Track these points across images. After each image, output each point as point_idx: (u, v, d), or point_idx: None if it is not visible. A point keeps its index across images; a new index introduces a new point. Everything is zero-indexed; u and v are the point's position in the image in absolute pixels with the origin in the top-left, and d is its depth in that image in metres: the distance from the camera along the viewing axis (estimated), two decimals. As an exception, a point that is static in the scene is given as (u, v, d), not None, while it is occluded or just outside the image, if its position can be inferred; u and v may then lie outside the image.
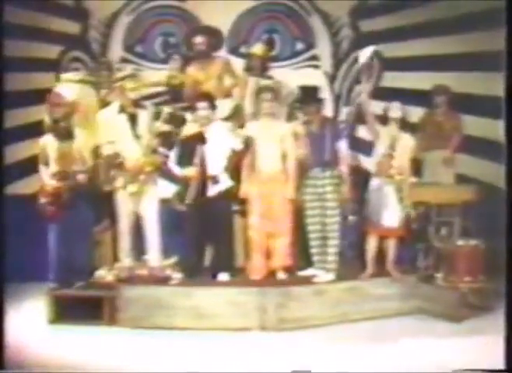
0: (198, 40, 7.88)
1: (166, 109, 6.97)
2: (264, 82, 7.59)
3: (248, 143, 6.85)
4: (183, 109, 7.58)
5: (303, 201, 6.91)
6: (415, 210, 7.05)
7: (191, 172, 6.78)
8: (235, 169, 6.92)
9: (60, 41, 8.64)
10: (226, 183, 6.81)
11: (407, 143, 6.96)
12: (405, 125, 7.01)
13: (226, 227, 6.94)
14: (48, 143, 6.72)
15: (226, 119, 7.42)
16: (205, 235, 6.90)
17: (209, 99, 7.02)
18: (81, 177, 6.60)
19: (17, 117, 7.77)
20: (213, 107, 6.95)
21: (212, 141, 6.81)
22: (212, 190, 6.78)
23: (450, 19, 8.21)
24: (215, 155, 6.80)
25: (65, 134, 6.70)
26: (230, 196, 6.92)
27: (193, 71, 7.87)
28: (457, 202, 7.08)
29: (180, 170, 6.86)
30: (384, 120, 7.07)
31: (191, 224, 6.90)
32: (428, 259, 7.10)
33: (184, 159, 6.84)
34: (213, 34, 8.09)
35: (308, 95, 7.10)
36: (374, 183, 6.96)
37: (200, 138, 6.82)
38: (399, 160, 6.89)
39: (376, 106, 8.21)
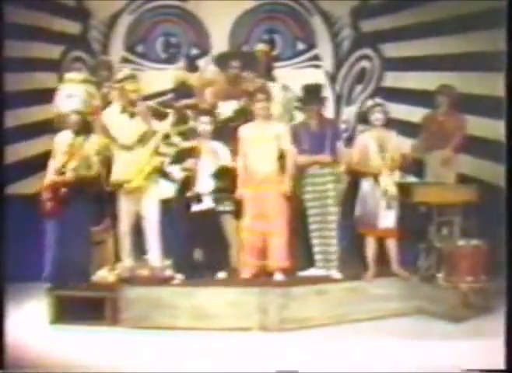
0: (235, 64, 7.79)
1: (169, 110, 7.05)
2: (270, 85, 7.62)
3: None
4: (186, 108, 7.65)
5: (302, 200, 6.92)
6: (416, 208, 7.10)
7: (190, 164, 6.90)
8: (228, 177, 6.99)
9: (61, 41, 8.67)
10: (207, 203, 6.90)
11: (394, 141, 6.99)
12: (388, 123, 7.03)
13: (215, 227, 7.00)
14: (63, 138, 6.71)
15: (229, 120, 7.40)
16: (197, 234, 6.95)
17: (212, 115, 7.13)
18: (76, 173, 6.59)
19: (18, 117, 7.79)
20: (215, 123, 7.08)
21: (205, 159, 6.92)
22: (194, 208, 6.88)
23: (451, 19, 8.22)
24: (205, 174, 6.90)
25: (82, 130, 6.71)
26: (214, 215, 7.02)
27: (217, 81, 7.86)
28: (458, 202, 7.06)
29: (179, 168, 6.98)
30: (388, 121, 7.10)
31: (183, 224, 6.99)
32: (429, 259, 7.08)
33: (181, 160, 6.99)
34: (250, 59, 8.07)
35: (311, 93, 7.10)
36: (367, 183, 6.96)
37: (196, 152, 6.95)
38: (391, 158, 6.93)
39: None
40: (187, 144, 7.10)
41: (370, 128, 7.08)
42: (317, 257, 6.96)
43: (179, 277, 6.77)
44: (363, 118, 7.22)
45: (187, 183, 6.97)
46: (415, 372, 5.22)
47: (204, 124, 6.98)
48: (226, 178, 6.93)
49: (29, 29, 8.27)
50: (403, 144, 7.11)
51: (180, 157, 7.05)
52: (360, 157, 7.02)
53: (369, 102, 7.16)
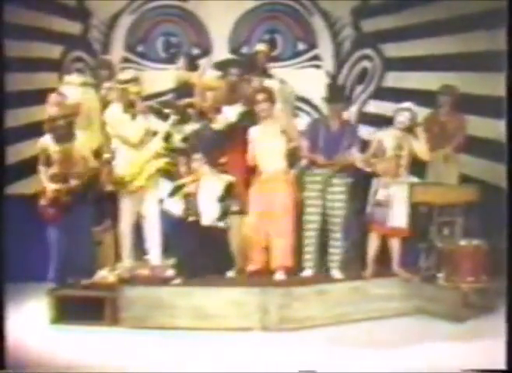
0: (234, 71, 7.74)
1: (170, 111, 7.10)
2: (266, 81, 7.63)
3: None
4: (187, 107, 7.65)
5: (306, 199, 6.93)
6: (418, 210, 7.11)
7: (190, 190, 7.02)
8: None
9: (61, 41, 8.65)
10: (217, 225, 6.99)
11: (413, 145, 7.00)
12: (412, 127, 7.04)
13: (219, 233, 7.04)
14: (48, 144, 6.70)
15: (235, 124, 7.40)
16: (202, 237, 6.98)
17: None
18: (81, 179, 6.59)
19: (18, 117, 7.78)
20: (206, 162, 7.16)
21: (205, 192, 7.01)
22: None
23: (451, 19, 8.22)
24: (209, 204, 6.97)
25: (65, 136, 6.68)
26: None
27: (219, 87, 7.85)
28: (460, 202, 7.07)
29: (178, 197, 7.09)
30: (388, 121, 7.11)
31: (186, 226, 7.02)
32: (430, 259, 7.08)
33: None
34: (249, 63, 8.08)
35: (336, 93, 7.14)
36: (380, 182, 6.96)
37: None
38: (407, 159, 6.97)
39: (378, 107, 8.29)
40: (184, 180, 7.18)
41: (391, 128, 7.09)
42: (308, 256, 6.97)
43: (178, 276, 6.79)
44: (369, 120, 7.23)
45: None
46: (416, 372, 5.21)
47: (197, 162, 7.05)
48: (234, 193, 7.06)
49: (30, 29, 8.26)
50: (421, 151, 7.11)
51: (178, 190, 7.11)
52: (374, 154, 7.04)
53: (399, 106, 7.15)
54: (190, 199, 7.00)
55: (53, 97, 7.12)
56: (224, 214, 7.01)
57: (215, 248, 6.95)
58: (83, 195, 6.61)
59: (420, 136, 7.05)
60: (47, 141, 6.72)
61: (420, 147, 7.03)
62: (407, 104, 7.10)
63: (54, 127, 6.69)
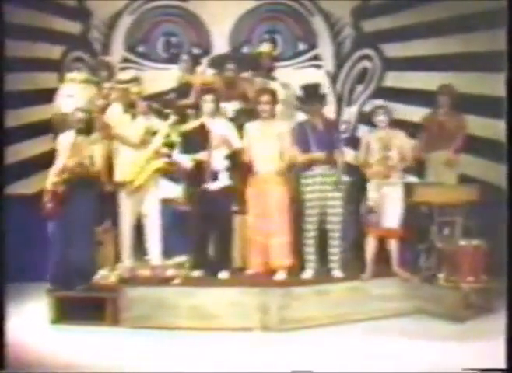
0: (230, 67, 7.77)
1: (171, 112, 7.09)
2: (270, 84, 7.63)
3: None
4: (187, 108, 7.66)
5: (304, 201, 6.92)
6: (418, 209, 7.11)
7: (202, 156, 6.84)
8: (235, 168, 6.96)
9: (62, 41, 8.68)
10: (224, 181, 6.85)
11: (400, 142, 7.00)
12: (394, 124, 7.05)
13: (226, 226, 6.96)
14: (67, 138, 6.65)
15: (231, 120, 7.41)
16: (207, 232, 6.95)
17: (215, 93, 7.05)
18: (72, 172, 6.54)
19: (18, 117, 7.79)
20: (218, 102, 7.01)
21: (215, 136, 6.85)
22: (211, 186, 6.81)
23: (451, 19, 8.23)
24: (217, 154, 6.85)
25: (83, 130, 6.65)
26: (230, 194, 6.97)
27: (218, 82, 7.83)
28: (460, 202, 7.06)
29: (188, 158, 6.90)
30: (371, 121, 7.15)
31: (193, 223, 6.95)
32: (430, 259, 7.08)
33: (191, 149, 6.90)
34: (247, 61, 8.12)
35: (310, 93, 7.11)
36: (372, 184, 6.96)
37: (204, 130, 6.87)
38: (396, 158, 6.96)
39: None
40: (193, 124, 7.06)
41: (376, 129, 7.10)
42: (309, 257, 6.96)
43: (179, 275, 6.78)
44: (368, 120, 7.25)
45: (197, 174, 6.96)
46: (416, 372, 5.21)
47: (208, 103, 6.92)
48: (237, 161, 6.97)
49: (30, 29, 8.28)
50: (410, 145, 7.11)
51: (188, 144, 7.02)
52: (365, 156, 7.06)
53: (371, 105, 7.17)
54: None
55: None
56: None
57: (218, 241, 6.97)
58: (83, 191, 6.57)
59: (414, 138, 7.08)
60: (67, 135, 6.68)
61: (407, 147, 7.04)
62: (379, 102, 7.12)
63: (77, 120, 6.66)
